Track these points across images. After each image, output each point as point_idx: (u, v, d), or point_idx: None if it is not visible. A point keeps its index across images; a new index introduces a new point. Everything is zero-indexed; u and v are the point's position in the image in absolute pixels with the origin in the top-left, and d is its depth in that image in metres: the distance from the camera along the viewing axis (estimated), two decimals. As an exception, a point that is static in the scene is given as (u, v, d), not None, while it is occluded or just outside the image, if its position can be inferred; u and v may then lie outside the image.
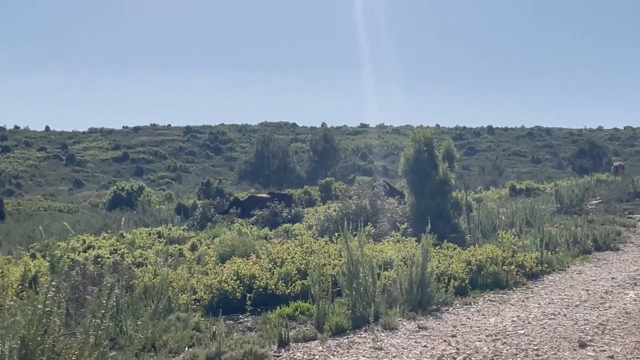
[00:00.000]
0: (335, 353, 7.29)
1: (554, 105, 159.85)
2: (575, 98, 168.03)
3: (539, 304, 9.23)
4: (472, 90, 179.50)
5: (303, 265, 10.36)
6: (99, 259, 12.64)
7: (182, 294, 9.33)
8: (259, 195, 26.69)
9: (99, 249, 14.52)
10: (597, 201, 21.16)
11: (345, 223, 9.55)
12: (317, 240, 12.52)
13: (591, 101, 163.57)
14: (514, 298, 9.68)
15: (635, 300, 9.30)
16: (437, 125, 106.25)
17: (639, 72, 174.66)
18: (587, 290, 9.99)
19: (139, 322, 7.27)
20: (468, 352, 7.11)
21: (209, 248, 14.18)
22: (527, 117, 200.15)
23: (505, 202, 23.06)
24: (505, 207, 18.95)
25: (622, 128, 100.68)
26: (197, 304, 9.37)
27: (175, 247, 14.92)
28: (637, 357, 6.87)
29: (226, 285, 9.41)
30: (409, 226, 13.94)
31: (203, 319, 8.52)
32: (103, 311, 4.68)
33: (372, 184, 25.08)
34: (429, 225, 9.95)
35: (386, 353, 7.21)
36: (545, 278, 10.98)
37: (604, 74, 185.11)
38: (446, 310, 9.07)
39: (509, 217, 17.13)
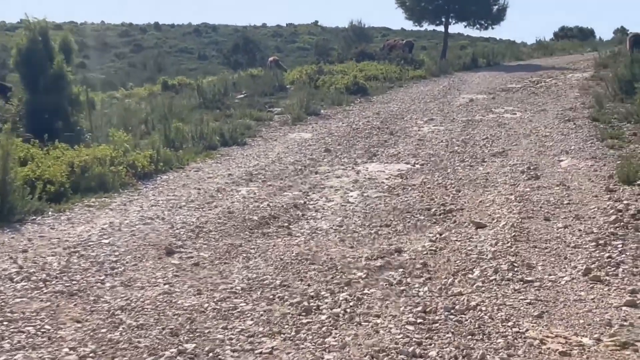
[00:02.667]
0: None
1: (220, 2, 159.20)
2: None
3: (141, 207, 8.36)
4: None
5: None
6: None
7: None
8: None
9: None
10: (242, 95, 20.94)
11: None
12: None
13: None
14: (116, 202, 8.71)
15: (244, 197, 8.82)
16: (103, 22, 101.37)
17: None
18: (199, 189, 9.31)
19: None
20: (32, 270, 6.02)
21: None
22: (194, 14, 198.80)
23: (150, 98, 22.05)
24: (144, 104, 17.97)
25: (285, 25, 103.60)
26: None
27: None
28: (226, 262, 6.28)
29: None
30: (20, 125, 12.36)
31: None
32: None
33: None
34: (9, 125, 8.60)
35: None
36: (159, 178, 10.15)
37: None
38: (33, 220, 7.85)
39: (148, 114, 16.15)
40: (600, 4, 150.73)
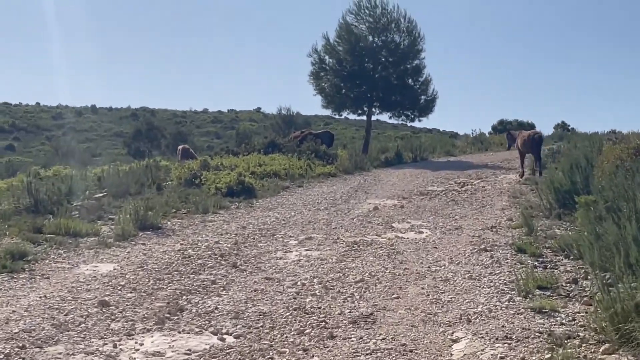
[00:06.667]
0: None
1: (161, 87, 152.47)
2: (183, 79, 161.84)
3: None
4: (76, 69, 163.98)
5: None
6: None
7: None
8: None
9: None
10: (102, 194, 16.67)
11: None
12: None
13: (201, 83, 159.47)
14: None
15: None
16: (38, 104, 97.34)
17: (238, 60, 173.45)
18: None
19: None
20: None
21: None
22: (133, 98, 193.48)
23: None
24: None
25: (226, 111, 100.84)
26: None
27: None
28: None
29: None
30: None
31: None
32: None
33: None
34: None
35: None
36: None
37: (201, 57, 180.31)
38: None
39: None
40: (542, 98, 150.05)
